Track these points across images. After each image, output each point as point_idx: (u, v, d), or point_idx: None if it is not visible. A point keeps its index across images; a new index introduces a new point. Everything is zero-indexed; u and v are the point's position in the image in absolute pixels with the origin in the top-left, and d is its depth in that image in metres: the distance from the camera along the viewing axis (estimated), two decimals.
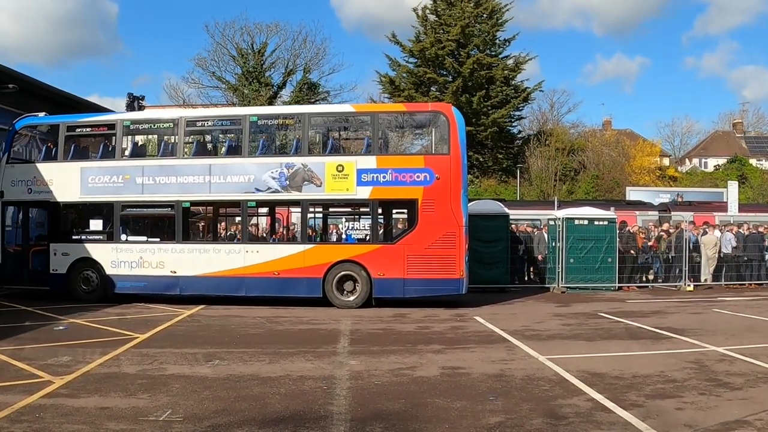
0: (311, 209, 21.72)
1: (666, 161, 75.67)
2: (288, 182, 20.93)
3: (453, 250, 20.45)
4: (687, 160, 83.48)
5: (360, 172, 20.73)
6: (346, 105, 24.41)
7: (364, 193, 20.78)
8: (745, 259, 28.51)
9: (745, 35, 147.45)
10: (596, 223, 26.40)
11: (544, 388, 10.42)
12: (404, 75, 61.95)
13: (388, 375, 11.26)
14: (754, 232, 29.06)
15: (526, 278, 27.71)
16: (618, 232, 26.62)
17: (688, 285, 26.90)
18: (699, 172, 74.10)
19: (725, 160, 73.88)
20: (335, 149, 22.40)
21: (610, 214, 27.30)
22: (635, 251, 27.40)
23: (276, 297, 20.96)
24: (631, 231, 28.07)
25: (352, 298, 20.70)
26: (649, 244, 27.97)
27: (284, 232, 24.48)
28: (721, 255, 28.38)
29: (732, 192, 33.63)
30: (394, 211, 22.49)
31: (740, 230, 28.99)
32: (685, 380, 11.00)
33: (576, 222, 26.25)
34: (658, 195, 50.46)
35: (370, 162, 20.84)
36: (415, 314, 19.39)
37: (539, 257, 27.36)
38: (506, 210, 26.99)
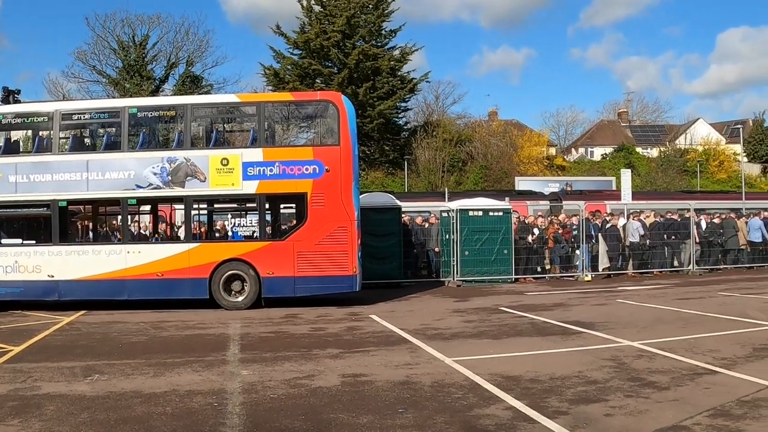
0: (195, 206, 20.60)
1: (553, 151, 76.34)
2: (170, 178, 19.81)
3: (345, 246, 19.79)
4: (573, 149, 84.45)
5: (246, 165, 19.82)
6: (230, 95, 23.46)
7: (250, 187, 19.88)
8: (648, 247, 28.61)
9: (630, 27, 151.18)
10: (491, 214, 25.98)
11: (457, 396, 9.57)
12: (289, 67, 61.16)
13: (284, 386, 10.28)
14: (659, 219, 29.23)
15: (420, 272, 27.04)
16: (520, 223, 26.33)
17: (587, 275, 26.68)
18: (587, 161, 75.35)
19: (611, 149, 75.16)
20: (220, 142, 21.30)
21: (505, 204, 26.89)
22: (555, 240, 27.23)
23: (161, 300, 19.79)
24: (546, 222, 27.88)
25: (240, 298, 19.78)
26: (561, 232, 27.65)
27: (168, 231, 23.27)
28: (628, 243, 28.31)
29: (625, 180, 34.00)
30: (282, 206, 21.66)
31: (644, 218, 29.19)
32: (606, 381, 10.32)
33: (470, 213, 25.83)
34: (547, 184, 50.96)
35: (256, 155, 19.95)
36: (307, 314, 18.55)
37: (434, 250, 26.71)
38: (398, 202, 26.32)
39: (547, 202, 36.71)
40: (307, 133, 37.66)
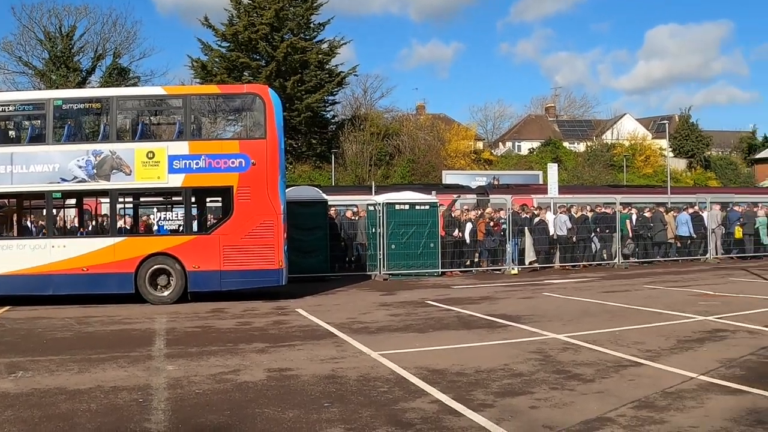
0: (121, 199, 20.38)
1: (480, 145, 76.85)
2: (95, 171, 19.59)
3: (271, 240, 19.80)
4: (501, 143, 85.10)
5: (171, 158, 19.69)
6: (157, 87, 23.25)
7: (176, 181, 19.75)
8: (574, 240, 29.08)
9: (559, 22, 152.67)
10: (417, 207, 26.11)
11: (383, 389, 9.64)
12: (217, 60, 60.81)
13: (210, 381, 10.28)
14: (587, 213, 29.75)
15: (346, 266, 27.11)
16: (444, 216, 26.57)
17: (513, 268, 26.97)
18: (514, 155, 76.11)
19: (539, 143, 75.84)
20: (146, 135, 21.07)
21: (431, 198, 27.07)
22: (487, 233, 27.41)
23: (87, 294, 19.54)
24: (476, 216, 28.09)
25: (166, 293, 19.65)
26: (491, 224, 27.86)
27: (93, 225, 22.91)
28: (555, 237, 28.69)
29: (552, 174, 34.26)
30: (208, 199, 21.63)
31: (573, 212, 29.70)
32: (532, 373, 10.45)
33: (397, 207, 25.90)
34: (475, 178, 51.30)
35: (182, 148, 19.83)
36: (233, 308, 18.52)
37: (361, 244, 26.81)
38: (324, 196, 26.36)
39: (474, 196, 36.91)
40: (233, 127, 37.62)
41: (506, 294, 21.01)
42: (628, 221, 30.35)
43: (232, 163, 19.79)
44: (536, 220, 28.50)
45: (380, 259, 25.68)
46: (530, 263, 27.92)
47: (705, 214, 31.83)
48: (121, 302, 19.58)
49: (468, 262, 27.86)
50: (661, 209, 32.47)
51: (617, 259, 29.34)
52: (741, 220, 32.12)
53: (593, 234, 29.54)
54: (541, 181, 54.40)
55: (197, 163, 19.73)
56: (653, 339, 13.05)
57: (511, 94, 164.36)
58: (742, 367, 10.66)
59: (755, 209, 33.22)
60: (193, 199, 20.35)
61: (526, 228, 27.78)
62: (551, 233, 28.61)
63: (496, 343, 13.06)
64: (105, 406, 9.05)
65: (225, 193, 20.10)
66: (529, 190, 40.15)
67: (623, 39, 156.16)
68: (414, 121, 71.23)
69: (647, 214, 31.33)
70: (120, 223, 20.93)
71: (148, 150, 19.71)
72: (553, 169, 35.55)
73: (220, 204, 21.32)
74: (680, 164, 76.91)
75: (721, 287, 21.46)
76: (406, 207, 26.12)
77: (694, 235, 31.35)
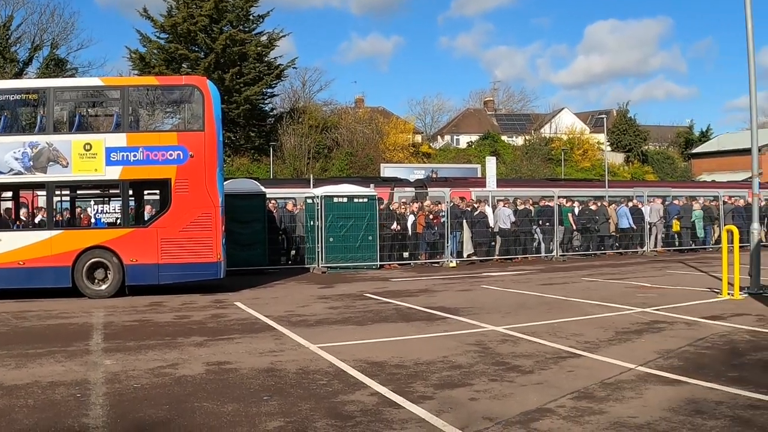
0: (58, 192, 20.16)
1: (419, 138, 77.03)
2: (32, 163, 19.34)
3: (209, 233, 19.75)
4: (439, 137, 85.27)
5: (109, 150, 19.49)
6: (94, 78, 22.90)
7: (113, 173, 19.56)
8: (518, 233, 29.42)
9: (500, 17, 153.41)
10: (356, 200, 26.18)
11: (322, 382, 9.67)
12: (155, 51, 60.17)
13: (148, 375, 10.22)
14: (529, 206, 30.08)
15: (285, 259, 27.11)
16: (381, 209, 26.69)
17: (451, 261, 27.13)
18: (452, 148, 76.24)
19: (477, 137, 76.08)
20: (83, 126, 20.94)
21: (370, 191, 27.15)
22: (428, 226, 27.50)
23: (24, 289, 19.28)
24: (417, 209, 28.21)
25: (103, 286, 19.46)
26: (431, 217, 27.95)
27: (30, 218, 22.46)
28: (497, 230, 28.90)
29: (490, 167, 34.45)
30: (146, 192, 21.52)
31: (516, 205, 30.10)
32: (471, 365, 10.52)
33: (335, 200, 25.91)
34: (413, 171, 51.36)
35: (119, 140, 19.66)
36: (171, 302, 18.45)
37: (299, 237, 26.79)
38: (262, 188, 26.32)
39: (413, 189, 36.99)
40: (172, 118, 37.31)
41: (444, 287, 21.12)
42: (570, 214, 30.81)
43: (170, 155, 19.65)
44: (476, 213, 28.69)
45: (318, 252, 25.69)
46: (468, 256, 28.12)
47: (645, 208, 32.49)
48: (59, 296, 19.35)
49: (408, 255, 27.97)
50: (605, 203, 33.02)
51: (554, 252, 29.64)
52: (679, 213, 32.82)
53: (536, 227, 29.94)
54: (479, 175, 54.69)
55: (135, 156, 19.56)
56: (591, 331, 13.22)
57: (451, 88, 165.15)
58: (680, 358, 10.81)
59: (693, 203, 33.91)
60: (130, 192, 20.21)
61: (464, 221, 27.94)
62: (492, 226, 28.84)
63: (434, 336, 13.14)
64: (42, 401, 8.96)
65: (163, 185, 19.98)
66: (467, 183, 40.30)
67: (563, 34, 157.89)
68: (353, 114, 71.21)
69: (593, 207, 31.80)
70: (57, 216, 20.64)
71: (86, 142, 19.50)
72: (491, 162, 35.74)
73: (158, 197, 21.19)
74: (618, 158, 77.71)
75: (658, 279, 21.86)
76: (345, 200, 26.20)
77: (635, 227, 31.96)
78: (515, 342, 12.33)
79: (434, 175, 47.10)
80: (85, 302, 18.67)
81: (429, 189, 35.85)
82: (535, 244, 30.23)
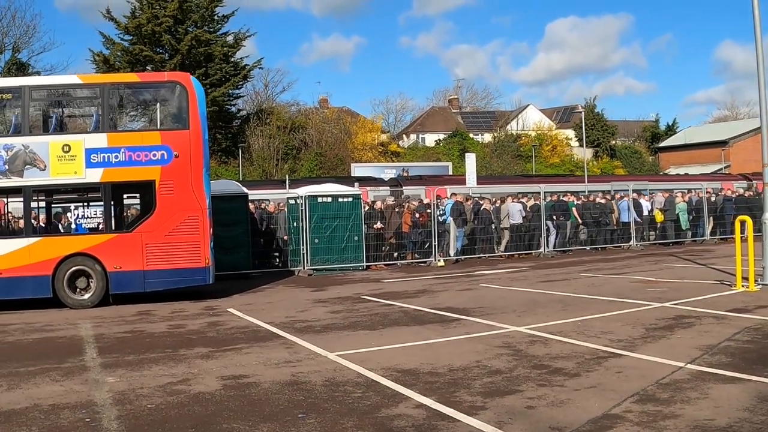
0: (35, 197, 19.15)
1: (385, 137, 76.50)
2: (7, 167, 18.24)
3: (197, 236, 18.86)
4: (405, 135, 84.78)
5: (89, 152, 18.49)
6: (72, 76, 21.69)
7: (94, 175, 18.57)
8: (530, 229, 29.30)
9: (461, 16, 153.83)
10: (340, 200, 25.43)
11: (356, 395, 8.75)
12: (119, 53, 58.86)
13: (161, 393, 9.22)
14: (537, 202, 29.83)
15: (269, 262, 26.25)
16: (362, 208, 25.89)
17: (439, 260, 26.43)
18: (421, 146, 75.87)
19: (444, 134, 75.80)
20: (61, 127, 19.93)
21: (355, 190, 26.47)
22: (414, 225, 26.90)
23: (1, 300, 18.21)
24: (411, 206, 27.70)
25: (86, 296, 18.46)
26: (417, 216, 27.30)
27: (5, 225, 21.50)
28: (507, 226, 28.55)
29: (470, 164, 34.25)
30: (129, 195, 20.75)
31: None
32: (511, 370, 9.74)
33: (319, 200, 25.12)
34: (384, 170, 50.92)
35: (100, 140, 18.66)
36: (160, 311, 17.48)
37: (283, 239, 25.99)
38: (245, 190, 25.46)
39: (388, 188, 36.39)
40: (154, 117, 36.46)
41: (443, 287, 20.40)
42: (574, 208, 30.72)
43: (154, 155, 18.73)
44: (481, 209, 28.27)
45: (303, 254, 24.87)
46: (454, 255, 27.46)
47: (644, 201, 32.58)
48: (39, 307, 18.29)
49: (395, 254, 27.31)
50: (608, 197, 33.04)
51: (542, 248, 29.04)
52: (663, 205, 32.82)
53: (554, 221, 29.84)
54: (450, 172, 54.39)
55: (116, 157, 18.59)
56: (620, 328, 12.62)
57: (413, 87, 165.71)
58: (725, 353, 10.28)
59: (677, 195, 33.74)
60: (112, 195, 19.16)
61: (451, 220, 27.21)
62: (501, 222, 28.57)
63: (457, 339, 12.39)
64: (48, 428, 7.94)
65: (147, 187, 18.99)
66: (442, 180, 39.84)
67: (524, 32, 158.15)
68: (320, 114, 70.63)
69: (603, 201, 31.98)
70: (35, 223, 19.68)
71: (64, 143, 18.46)
72: (470, 159, 35.26)
73: (141, 200, 20.27)
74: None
75: (660, 273, 21.38)
76: (329, 199, 25.42)
77: (639, 219, 31.92)
78: (545, 343, 11.63)
79: (406, 174, 46.54)
80: (69, 313, 17.66)
81: (404, 187, 35.41)
82: (555, 238, 29.96)
